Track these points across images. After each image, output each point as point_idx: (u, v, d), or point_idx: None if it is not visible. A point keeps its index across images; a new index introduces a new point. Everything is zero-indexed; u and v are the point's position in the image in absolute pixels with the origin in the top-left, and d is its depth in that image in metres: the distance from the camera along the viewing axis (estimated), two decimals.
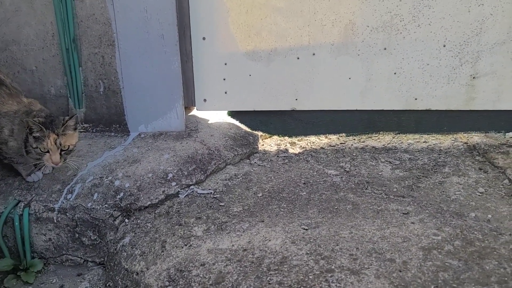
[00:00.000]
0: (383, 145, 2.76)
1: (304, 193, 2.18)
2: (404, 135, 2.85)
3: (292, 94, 2.76)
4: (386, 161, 2.53)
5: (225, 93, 2.78)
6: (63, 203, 2.19)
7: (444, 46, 2.57)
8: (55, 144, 1.96)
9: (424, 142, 2.76)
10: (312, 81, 2.72)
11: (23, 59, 2.58)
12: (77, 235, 2.19)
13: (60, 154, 2.00)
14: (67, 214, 2.17)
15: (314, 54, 2.66)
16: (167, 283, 1.68)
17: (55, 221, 2.17)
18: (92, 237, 2.17)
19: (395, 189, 2.18)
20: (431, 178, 2.27)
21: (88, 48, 2.53)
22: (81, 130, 2.73)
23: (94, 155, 2.48)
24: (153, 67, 2.54)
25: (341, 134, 2.93)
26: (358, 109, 2.78)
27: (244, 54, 2.68)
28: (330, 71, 2.69)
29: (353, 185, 2.23)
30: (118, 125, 2.70)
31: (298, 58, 2.68)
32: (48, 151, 1.97)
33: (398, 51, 2.60)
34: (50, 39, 2.52)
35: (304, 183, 2.29)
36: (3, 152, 2.18)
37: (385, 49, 2.61)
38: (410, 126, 2.81)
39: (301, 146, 2.86)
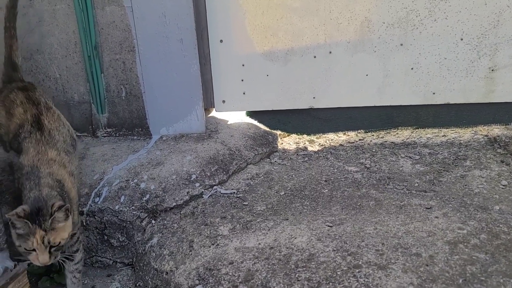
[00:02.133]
0: (402, 140, 2.77)
1: (326, 190, 2.21)
2: (422, 129, 2.85)
3: (309, 92, 2.78)
4: (406, 156, 2.54)
5: (243, 93, 2.82)
6: (91, 206, 2.26)
7: (462, 39, 2.57)
8: (43, 242, 1.58)
9: (443, 136, 2.76)
10: (329, 79, 2.74)
11: (47, 67, 2.65)
12: (105, 237, 2.25)
13: (50, 252, 1.61)
14: (96, 217, 2.23)
15: (330, 52, 2.69)
16: (197, 282, 1.73)
17: (84, 224, 2.24)
18: (120, 239, 2.23)
19: (416, 184, 2.19)
20: (452, 172, 2.28)
21: (109, 55, 2.59)
22: (105, 135, 2.80)
23: (119, 158, 2.55)
24: (173, 71, 2.59)
25: (359, 131, 2.94)
26: (376, 105, 2.79)
27: (261, 54, 2.72)
28: (347, 69, 2.71)
29: (374, 181, 2.25)
30: (140, 129, 2.76)
31: (314, 57, 2.70)
32: (34, 250, 1.59)
33: (415, 46, 2.61)
34: (73, 47, 2.59)
35: (326, 181, 2.32)
36: None
37: (401, 44, 2.62)
38: (428, 120, 2.82)
39: (320, 143, 2.88)
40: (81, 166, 2.50)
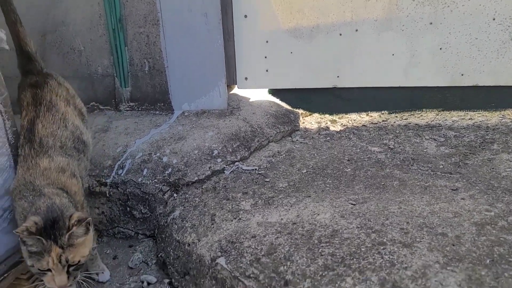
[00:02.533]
0: (427, 122, 2.72)
1: (349, 169, 2.19)
2: (448, 112, 2.80)
3: (333, 71, 2.74)
4: (431, 138, 2.50)
5: (266, 71, 2.79)
6: (115, 178, 2.28)
7: (494, 19, 2.48)
8: (60, 262, 1.35)
9: (469, 119, 2.70)
10: (354, 57, 2.69)
11: (72, 40, 2.66)
12: (128, 208, 2.28)
13: (68, 272, 1.38)
14: (119, 188, 2.26)
15: (356, 30, 2.63)
16: (219, 254, 1.74)
17: (108, 195, 2.27)
18: (142, 211, 2.26)
19: (441, 166, 2.16)
20: (479, 155, 2.23)
21: (133, 28, 2.59)
22: (127, 109, 2.81)
23: (141, 132, 2.56)
24: (196, 46, 2.58)
25: (383, 112, 2.90)
26: (401, 86, 2.74)
27: (285, 31, 2.68)
28: (372, 48, 2.66)
29: (398, 162, 2.22)
30: (162, 104, 2.76)
31: (340, 35, 2.65)
32: (49, 270, 1.36)
33: (445, 25, 2.54)
34: (97, 19, 2.59)
35: (348, 160, 2.29)
36: None
37: (431, 23, 2.55)
38: (455, 102, 2.75)
39: (342, 123, 2.85)
40: (104, 138, 2.53)
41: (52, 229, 1.35)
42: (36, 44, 2.63)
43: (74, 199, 1.57)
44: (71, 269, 1.38)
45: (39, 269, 1.34)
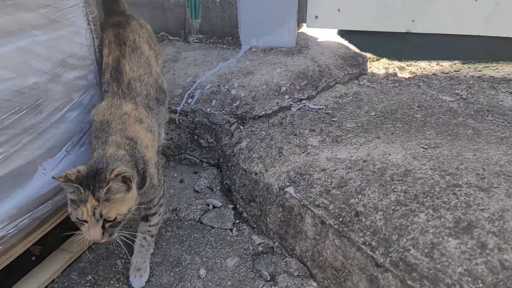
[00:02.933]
0: (503, 75, 2.60)
1: (419, 115, 2.15)
2: None
3: (408, 15, 2.63)
4: (507, 91, 2.39)
5: (338, 10, 2.71)
6: (184, 106, 2.36)
7: None
8: (93, 214, 1.29)
9: None
10: (433, 1, 2.56)
11: None
12: (195, 137, 2.37)
13: (104, 227, 1.33)
14: (188, 116, 2.34)
15: None
16: (287, 183, 1.80)
17: (177, 122, 2.36)
18: (209, 140, 2.35)
19: None
20: None
21: None
22: (196, 41, 2.84)
23: (210, 64, 2.60)
24: None
25: (455, 62, 2.78)
26: (480, 34, 2.60)
27: None
28: None
29: (472, 112, 2.16)
30: (230, 38, 2.77)
31: None
32: (86, 221, 1.32)
33: None
34: None
35: (418, 107, 2.25)
36: None
37: None
38: None
39: (410, 71, 2.77)
40: (174, 68, 2.59)
41: (93, 180, 1.29)
42: None
43: (144, 154, 1.50)
44: (107, 225, 1.32)
45: (77, 218, 1.32)
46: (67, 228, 1.50)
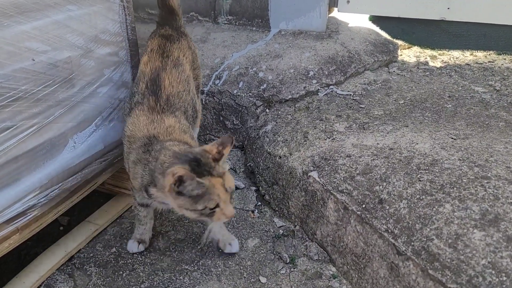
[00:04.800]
0: None
1: (450, 105, 2.11)
2: None
3: (444, 1, 2.55)
4: None
5: None
6: (212, 87, 2.37)
7: None
8: (226, 190, 1.33)
9: None
10: None
11: None
12: (221, 118, 2.38)
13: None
14: (215, 97, 2.36)
15: None
16: (311, 168, 1.80)
17: (204, 103, 2.37)
18: (234, 122, 2.36)
19: None
20: None
21: None
22: (225, 22, 2.84)
23: (238, 46, 2.60)
24: None
25: (489, 52, 2.70)
26: None
27: None
28: None
29: (505, 104, 2.10)
30: (260, 20, 2.75)
31: None
32: (217, 206, 1.33)
33: None
34: None
35: (449, 97, 2.20)
36: None
37: None
38: None
39: (442, 60, 2.70)
40: (203, 49, 2.59)
41: (199, 167, 1.30)
42: None
43: None
44: (231, 198, 1.37)
45: (210, 209, 1.31)
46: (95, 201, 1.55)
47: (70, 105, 1.56)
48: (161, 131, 1.48)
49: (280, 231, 1.87)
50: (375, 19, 2.79)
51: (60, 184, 1.56)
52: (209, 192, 1.29)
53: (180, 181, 1.26)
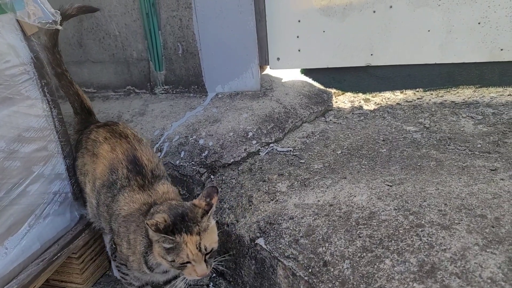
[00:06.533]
0: (463, 99, 2.66)
1: (384, 150, 2.19)
2: (486, 88, 2.72)
3: (367, 49, 2.70)
4: (468, 116, 2.45)
5: (299, 51, 2.78)
6: None
7: None
8: (199, 250, 1.38)
9: (508, 95, 2.63)
10: (389, 35, 2.64)
11: (107, 25, 2.72)
12: None
13: (205, 260, 1.41)
14: None
15: (391, 6, 2.57)
16: (258, 234, 1.80)
17: None
18: (181, 192, 2.33)
19: (479, 145, 2.13)
20: None
21: (166, 12, 2.61)
22: (162, 92, 2.87)
23: (177, 115, 2.62)
24: (228, 28, 2.59)
25: (417, 89, 2.85)
26: (437, 62, 2.68)
27: (318, 10, 2.65)
28: (407, 24, 2.60)
29: (434, 142, 2.20)
30: (196, 86, 2.81)
31: (374, 12, 2.60)
32: (189, 262, 1.39)
33: None
34: (131, 4, 2.62)
35: (383, 140, 2.29)
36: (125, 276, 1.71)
37: None
38: (493, 79, 2.68)
39: (375, 102, 2.82)
40: (141, 122, 2.60)
41: (182, 222, 1.37)
42: (73, 30, 2.71)
43: None
44: (207, 257, 1.41)
45: (180, 263, 1.37)
46: None
47: None
48: (158, 198, 1.57)
49: None
50: (306, 72, 2.91)
51: None
52: (178, 248, 1.36)
53: (157, 227, 1.34)
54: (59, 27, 1.55)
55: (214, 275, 2.00)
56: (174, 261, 1.38)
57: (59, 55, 1.91)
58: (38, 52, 1.65)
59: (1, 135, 1.52)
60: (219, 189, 2.15)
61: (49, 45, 1.85)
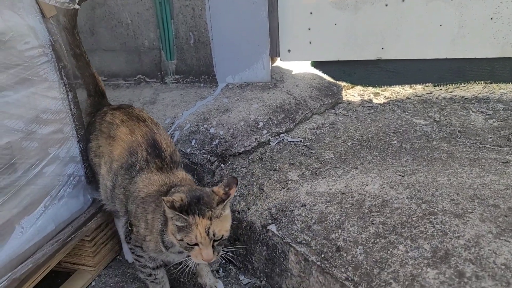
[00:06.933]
0: (473, 95, 2.67)
1: (395, 142, 2.20)
2: (496, 84, 2.73)
3: (378, 43, 2.71)
4: (478, 111, 2.46)
5: (310, 43, 2.79)
6: None
7: None
8: (207, 234, 1.38)
9: None
10: (400, 29, 2.65)
11: (120, 13, 2.73)
12: None
13: (213, 246, 1.41)
14: None
15: (403, 0, 2.58)
16: (269, 221, 1.81)
17: None
18: None
19: (490, 139, 2.14)
20: None
21: (179, 1, 2.62)
22: (173, 81, 2.88)
23: (188, 104, 2.63)
24: (241, 18, 2.59)
25: (427, 84, 2.86)
26: (447, 57, 2.69)
27: (330, 2, 2.65)
28: (419, 18, 2.61)
29: (445, 135, 2.21)
30: (207, 76, 2.82)
31: (386, 5, 2.61)
32: (196, 244, 1.40)
33: None
34: None
35: (394, 133, 2.30)
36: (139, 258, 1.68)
37: None
38: (504, 75, 2.69)
39: (385, 96, 2.83)
40: (152, 110, 2.61)
41: (197, 204, 1.39)
42: (85, 17, 2.72)
43: None
44: (215, 243, 1.41)
45: (187, 243, 1.39)
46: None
47: (14, 190, 1.51)
48: (178, 181, 1.60)
49: None
50: (317, 64, 2.92)
51: (8, 274, 1.49)
52: (188, 228, 1.37)
53: (172, 204, 1.36)
54: (77, 7, 1.57)
55: (224, 261, 2.01)
56: (182, 240, 1.39)
57: (78, 36, 1.93)
58: (57, 35, 1.66)
59: (20, 115, 1.53)
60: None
61: (68, 26, 1.87)
